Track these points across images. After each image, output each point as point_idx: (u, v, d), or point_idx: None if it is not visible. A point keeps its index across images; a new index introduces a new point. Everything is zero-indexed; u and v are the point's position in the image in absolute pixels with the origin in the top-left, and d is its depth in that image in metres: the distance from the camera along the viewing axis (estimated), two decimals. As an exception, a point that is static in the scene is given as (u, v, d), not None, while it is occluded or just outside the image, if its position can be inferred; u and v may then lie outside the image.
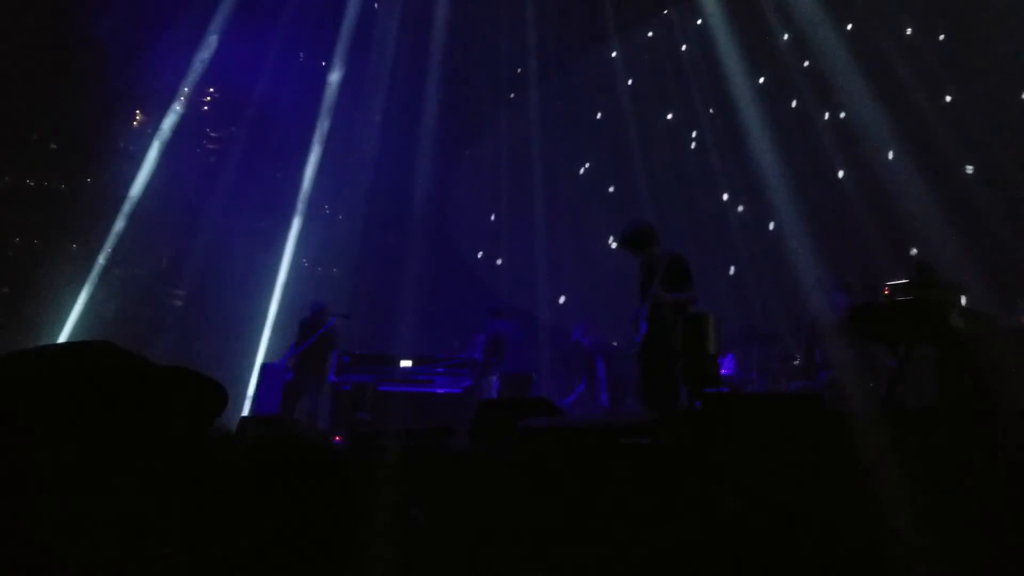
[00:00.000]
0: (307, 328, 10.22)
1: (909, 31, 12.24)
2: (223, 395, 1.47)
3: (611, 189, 14.82)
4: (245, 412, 11.80)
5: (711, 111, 13.73)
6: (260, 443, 1.57)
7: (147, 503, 1.05)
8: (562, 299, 14.21)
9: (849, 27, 12.62)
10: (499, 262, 14.99)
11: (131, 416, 1.03)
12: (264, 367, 10.42)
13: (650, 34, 14.44)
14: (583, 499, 4.85)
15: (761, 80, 13.44)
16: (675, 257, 6.59)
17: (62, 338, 12.49)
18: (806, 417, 4.85)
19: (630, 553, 4.64)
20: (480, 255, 15.47)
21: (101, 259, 13.21)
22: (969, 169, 11.57)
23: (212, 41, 14.10)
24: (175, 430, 1.10)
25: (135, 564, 1.05)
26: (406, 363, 10.21)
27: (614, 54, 14.59)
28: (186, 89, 14.33)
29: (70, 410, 1.00)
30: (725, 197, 13.53)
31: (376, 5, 14.81)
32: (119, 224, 13.50)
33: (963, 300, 6.10)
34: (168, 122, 14.17)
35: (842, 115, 12.65)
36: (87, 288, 12.95)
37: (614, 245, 14.67)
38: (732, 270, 13.19)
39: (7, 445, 0.98)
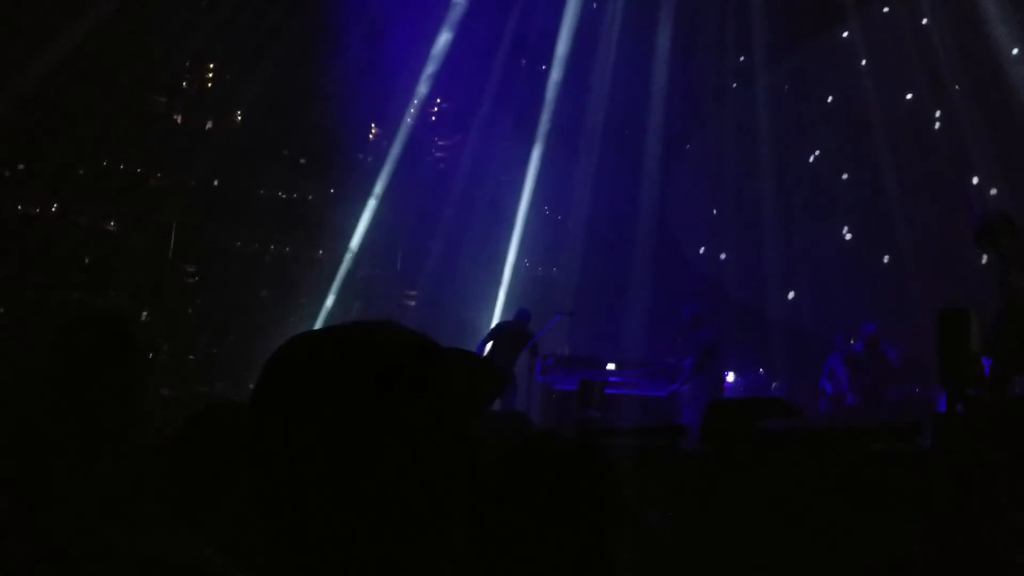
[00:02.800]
0: (507, 331, 10.42)
1: None
2: (500, 380, 1.50)
3: (844, 176, 13.98)
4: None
5: (957, 87, 12.59)
6: (527, 441, 1.61)
7: (433, 491, 1.07)
8: (791, 294, 13.61)
9: None
10: (722, 257, 14.58)
11: (420, 391, 1.06)
12: None
13: (886, 9, 13.46)
14: (825, 508, 4.62)
15: (1016, 51, 12.16)
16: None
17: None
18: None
19: (876, 570, 4.37)
20: (702, 251, 15.12)
21: (345, 264, 14.22)
22: None
23: (438, 54, 14.79)
24: (457, 411, 1.12)
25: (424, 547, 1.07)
26: (610, 366, 10.26)
27: (845, 34, 13.74)
28: (415, 102, 15.13)
29: (360, 384, 1.04)
30: (975, 180, 12.39)
31: (595, 5, 14.90)
32: (359, 230, 14.47)
33: None
34: (400, 133, 15.01)
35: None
36: (333, 290, 14.00)
37: (848, 236, 13.88)
38: (984, 259, 12.05)
39: (302, 422, 1.02)
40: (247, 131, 15.56)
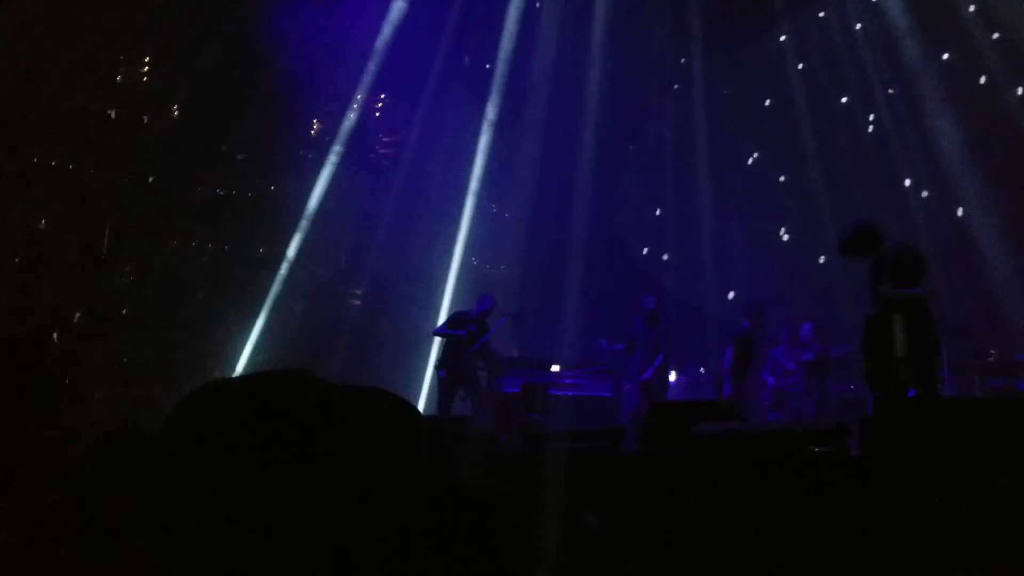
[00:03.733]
0: (465, 320, 10.08)
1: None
2: (418, 421, 1.48)
3: (782, 178, 14.28)
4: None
5: (890, 91, 12.95)
6: (438, 496, 1.59)
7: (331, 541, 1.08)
8: (731, 294, 13.85)
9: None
10: (665, 258, 14.78)
11: (325, 452, 1.07)
12: None
13: (821, 14, 13.77)
14: (761, 508, 4.72)
15: (945, 56, 12.56)
16: (904, 250, 6.31)
17: (252, 340, 13.38)
18: (1008, 423, 4.49)
19: (808, 565, 4.47)
20: (646, 251, 15.30)
21: (286, 262, 14.02)
22: None
23: (380, 48, 14.66)
24: (369, 466, 1.13)
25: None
26: (555, 367, 10.32)
27: (783, 37, 14.02)
28: (359, 96, 14.97)
29: (266, 444, 1.05)
30: (907, 183, 12.75)
31: (538, 4, 14.95)
32: (302, 228, 14.27)
33: None
34: (343, 129, 14.85)
35: (1041, 89, 11.63)
36: (274, 290, 13.79)
37: (785, 237, 14.17)
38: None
39: (204, 475, 1.03)
40: (184, 126, 15.21)
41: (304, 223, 14.18)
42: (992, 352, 9.19)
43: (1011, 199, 11.18)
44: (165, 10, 13.17)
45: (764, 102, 14.59)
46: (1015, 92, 11.86)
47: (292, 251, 14.12)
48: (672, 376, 11.49)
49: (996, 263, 9.63)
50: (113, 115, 14.82)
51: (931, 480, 4.21)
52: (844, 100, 13.71)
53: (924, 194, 12.58)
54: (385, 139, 16.69)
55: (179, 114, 15.52)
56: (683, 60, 14.78)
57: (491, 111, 14.71)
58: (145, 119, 15.01)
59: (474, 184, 14.88)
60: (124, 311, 13.25)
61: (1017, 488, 4.05)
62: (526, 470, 5.83)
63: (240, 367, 13.31)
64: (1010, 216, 10.81)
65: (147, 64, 15.49)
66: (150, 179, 14.85)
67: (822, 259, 13.16)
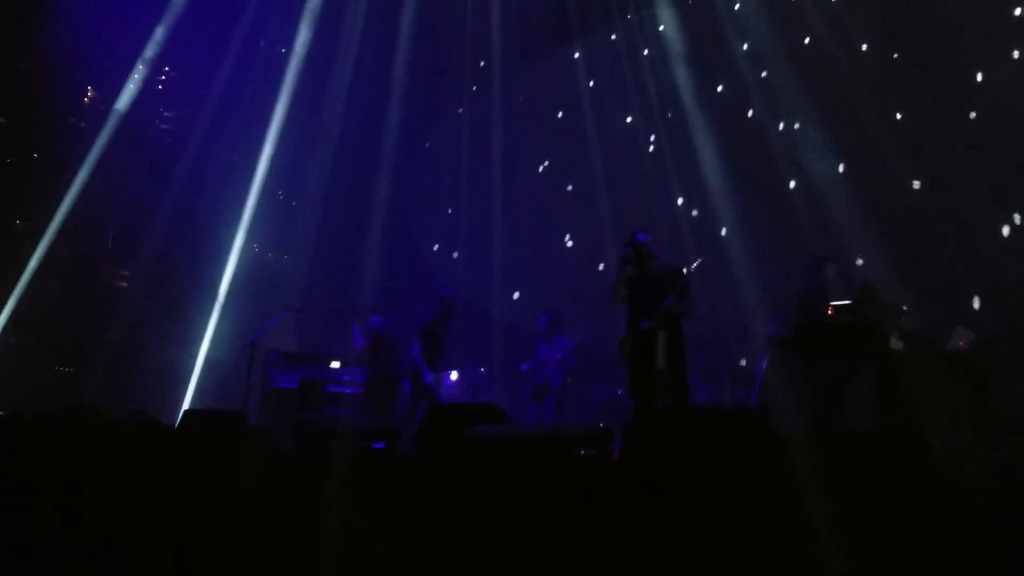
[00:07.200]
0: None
1: (864, 47, 12.48)
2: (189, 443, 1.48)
3: (569, 188, 14.89)
4: (187, 404, 11.68)
5: (669, 115, 13.84)
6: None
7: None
8: (516, 295, 14.27)
9: (807, 40, 12.84)
10: (455, 255, 14.98)
11: (109, 485, 1.07)
12: None
13: (613, 37, 14.50)
14: (527, 509, 4.91)
15: (720, 88, 13.61)
16: (685, 273, 7.29)
17: (2, 320, 12.19)
18: (750, 433, 4.94)
19: (566, 566, 4.72)
20: (436, 248, 15.44)
21: (47, 238, 12.87)
22: (916, 184, 11.84)
23: (169, 19, 13.80)
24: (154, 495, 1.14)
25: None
26: (335, 364, 10.24)
27: (577, 55, 14.63)
28: (141, 67, 14.01)
29: (47, 485, 1.04)
30: (680, 201, 13.68)
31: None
32: (67, 202, 13.16)
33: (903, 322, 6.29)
34: (123, 99, 13.82)
35: (796, 126, 12.86)
36: (31, 267, 12.62)
37: (569, 243, 14.81)
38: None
39: None
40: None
41: (69, 197, 13.06)
42: (741, 363, 10.11)
43: (765, 225, 12.28)
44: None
45: (557, 113, 15.15)
46: (776, 128, 13.04)
47: (54, 226, 12.97)
48: (453, 375, 11.66)
49: (749, 282, 10.56)
50: None
51: (677, 481, 4.54)
52: (628, 120, 14.50)
53: (694, 213, 13.54)
54: (167, 114, 15.72)
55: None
56: (482, 63, 15.03)
57: (284, 97, 14.22)
58: None
59: (262, 169, 14.29)
60: None
61: (750, 489, 4.44)
62: (299, 469, 5.74)
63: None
64: (763, 241, 11.86)
65: None
66: None
67: (601, 266, 13.83)
